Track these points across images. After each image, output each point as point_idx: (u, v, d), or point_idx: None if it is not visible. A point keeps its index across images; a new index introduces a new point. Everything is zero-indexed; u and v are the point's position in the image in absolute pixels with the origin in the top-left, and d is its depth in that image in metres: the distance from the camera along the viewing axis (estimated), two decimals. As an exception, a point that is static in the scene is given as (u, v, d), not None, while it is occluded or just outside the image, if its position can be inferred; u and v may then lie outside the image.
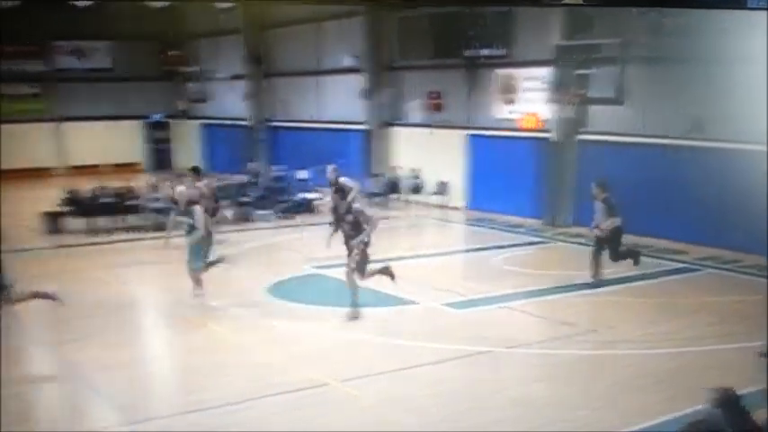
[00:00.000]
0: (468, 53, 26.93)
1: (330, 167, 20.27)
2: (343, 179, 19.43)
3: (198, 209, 15.94)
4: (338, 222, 17.79)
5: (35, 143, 40.13)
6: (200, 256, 16.07)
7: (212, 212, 22.23)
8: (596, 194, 17.22)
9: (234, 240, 22.43)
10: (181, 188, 16.94)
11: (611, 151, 22.71)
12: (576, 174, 23.52)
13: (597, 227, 17.11)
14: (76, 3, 37.65)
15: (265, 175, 29.94)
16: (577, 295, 16.64)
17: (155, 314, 16.52)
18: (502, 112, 26.60)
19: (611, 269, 17.52)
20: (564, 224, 23.84)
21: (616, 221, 16.94)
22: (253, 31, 37.67)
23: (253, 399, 11.08)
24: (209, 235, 16.79)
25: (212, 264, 16.68)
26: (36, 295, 13.89)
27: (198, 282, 16.03)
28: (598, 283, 17.11)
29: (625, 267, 17.57)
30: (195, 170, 22.59)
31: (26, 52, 41.22)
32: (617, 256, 17.30)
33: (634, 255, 17.52)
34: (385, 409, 10.70)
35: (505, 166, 25.83)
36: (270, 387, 11.48)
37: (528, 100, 25.75)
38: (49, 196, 25.24)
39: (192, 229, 15.73)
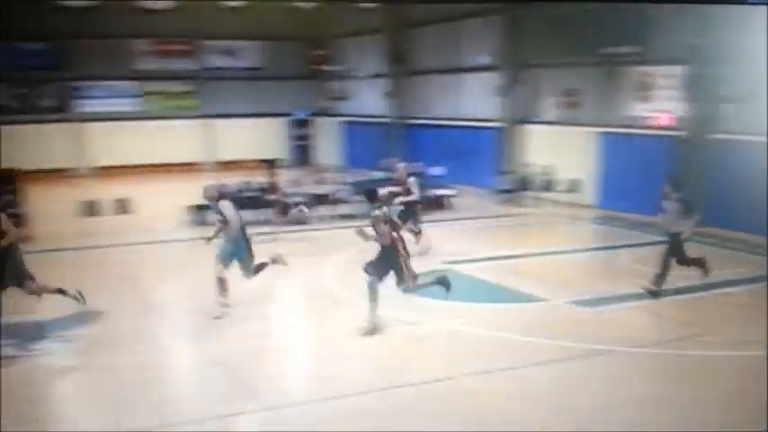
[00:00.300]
0: (603, 51, 26.46)
1: (401, 165, 20.44)
2: (412, 180, 19.72)
3: (226, 203, 15.10)
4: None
5: (185, 139, 41.19)
6: (224, 254, 15.00)
7: (282, 210, 22.66)
8: (668, 193, 15.86)
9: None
10: (210, 182, 15.99)
11: (743, 150, 22.01)
12: (707, 173, 22.86)
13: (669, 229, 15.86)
14: (228, 3, 38.70)
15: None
16: (705, 295, 16.18)
17: (286, 304, 16.76)
18: (635, 109, 26.06)
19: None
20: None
21: (694, 222, 15.83)
22: (394, 31, 37.83)
23: (379, 390, 11.22)
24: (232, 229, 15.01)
25: (261, 266, 15.46)
26: (59, 291, 14.38)
27: (221, 284, 15.04)
28: (657, 292, 15.89)
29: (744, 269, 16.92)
30: (270, 163, 22.81)
31: (180, 51, 42.38)
32: (673, 260, 16.00)
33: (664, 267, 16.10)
34: (507, 406, 10.71)
35: (637, 164, 25.27)
36: (396, 379, 11.60)
37: (662, 98, 25.17)
38: (196, 190, 25.77)
39: (224, 224, 15.02)
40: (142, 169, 39.01)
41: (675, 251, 15.88)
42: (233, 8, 40.92)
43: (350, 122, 42.94)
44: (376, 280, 13.81)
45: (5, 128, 37.16)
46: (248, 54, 44.20)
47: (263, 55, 44.35)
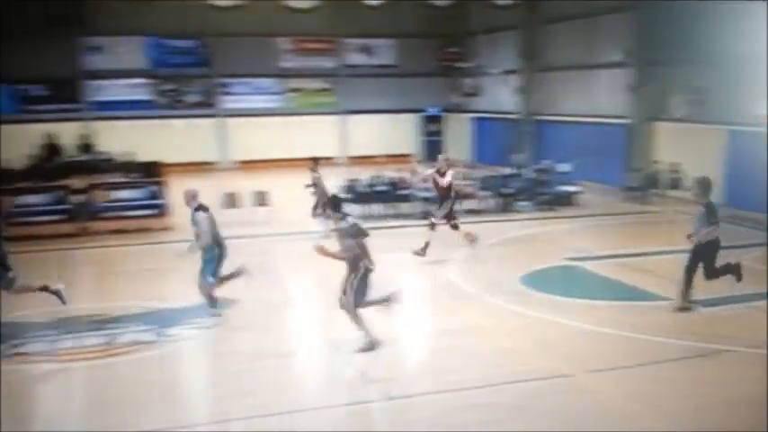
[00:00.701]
0: (730, 48, 25.57)
1: (441, 157, 19.89)
2: (450, 172, 19.12)
3: (200, 214, 14.02)
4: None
5: (321, 134, 41.62)
6: (210, 269, 14.17)
7: (323, 208, 22.45)
8: (698, 196, 14.88)
9: (493, 231, 22.43)
10: (190, 188, 14.47)
11: None
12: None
13: (690, 236, 14.53)
14: (367, 2, 38.93)
15: (528, 167, 29.71)
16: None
17: (411, 297, 16.74)
18: (762, 108, 25.07)
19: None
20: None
21: (713, 231, 14.32)
22: (527, 27, 37.41)
23: (498, 384, 11.22)
24: (216, 243, 14.31)
25: (227, 278, 14.72)
26: (43, 289, 14.14)
27: (210, 296, 14.32)
28: (685, 307, 14.68)
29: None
30: (315, 160, 22.55)
31: (321, 49, 42.90)
32: (712, 273, 14.51)
33: (734, 269, 14.71)
34: (625, 404, 10.59)
35: (764, 163, 24.31)
36: (515, 374, 11.58)
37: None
38: (331, 183, 26.00)
39: (198, 235, 14.04)
40: (281, 163, 39.48)
41: (693, 258, 14.61)
42: (371, 7, 41.22)
43: (480, 118, 42.71)
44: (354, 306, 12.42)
45: (154, 122, 38.39)
46: (384, 52, 44.44)
47: (398, 52, 44.46)
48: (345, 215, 12.50)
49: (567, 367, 11.82)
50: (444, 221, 19.29)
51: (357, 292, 12.27)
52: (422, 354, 13.22)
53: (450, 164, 20.30)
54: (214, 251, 14.14)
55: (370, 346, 12.32)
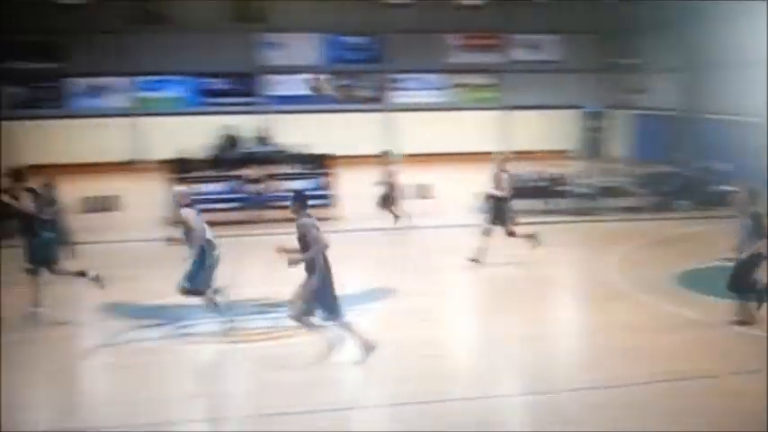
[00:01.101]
0: None
1: (498, 157, 18.57)
2: (505, 176, 17.63)
3: (186, 210, 12.98)
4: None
5: (484, 129, 41.56)
6: (193, 272, 12.86)
7: (387, 202, 22.33)
8: (743, 206, 13.28)
9: (650, 229, 22.05)
10: (179, 188, 13.84)
11: None
12: None
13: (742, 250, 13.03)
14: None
15: (688, 165, 28.93)
16: None
17: (559, 293, 16.67)
18: None
19: None
20: None
21: (763, 245, 12.85)
22: (689, 25, 36.35)
23: (645, 383, 11.07)
24: (198, 242, 12.96)
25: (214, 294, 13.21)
26: (80, 274, 14.35)
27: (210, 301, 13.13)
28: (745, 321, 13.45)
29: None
30: (386, 155, 22.05)
31: (488, 45, 42.89)
32: (742, 286, 13.34)
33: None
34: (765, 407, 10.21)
35: None
36: (658, 373, 11.42)
37: None
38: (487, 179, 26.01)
39: (187, 235, 12.93)
40: (444, 157, 39.55)
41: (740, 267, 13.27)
42: (539, 3, 40.99)
43: (642, 115, 41.73)
44: (305, 317, 11.55)
45: (326, 116, 39.21)
46: (549, 47, 44.02)
47: (564, 48, 43.95)
48: (309, 214, 11.35)
49: (714, 368, 11.60)
50: (507, 226, 17.92)
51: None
52: (573, 350, 13.15)
53: (507, 165, 18.24)
54: (202, 252, 12.92)
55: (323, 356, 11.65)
